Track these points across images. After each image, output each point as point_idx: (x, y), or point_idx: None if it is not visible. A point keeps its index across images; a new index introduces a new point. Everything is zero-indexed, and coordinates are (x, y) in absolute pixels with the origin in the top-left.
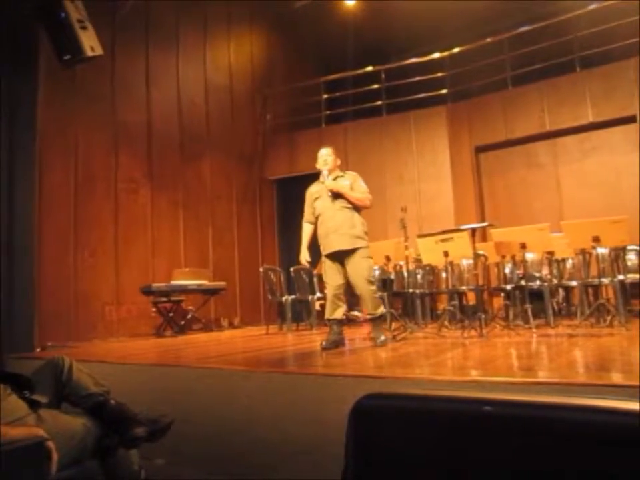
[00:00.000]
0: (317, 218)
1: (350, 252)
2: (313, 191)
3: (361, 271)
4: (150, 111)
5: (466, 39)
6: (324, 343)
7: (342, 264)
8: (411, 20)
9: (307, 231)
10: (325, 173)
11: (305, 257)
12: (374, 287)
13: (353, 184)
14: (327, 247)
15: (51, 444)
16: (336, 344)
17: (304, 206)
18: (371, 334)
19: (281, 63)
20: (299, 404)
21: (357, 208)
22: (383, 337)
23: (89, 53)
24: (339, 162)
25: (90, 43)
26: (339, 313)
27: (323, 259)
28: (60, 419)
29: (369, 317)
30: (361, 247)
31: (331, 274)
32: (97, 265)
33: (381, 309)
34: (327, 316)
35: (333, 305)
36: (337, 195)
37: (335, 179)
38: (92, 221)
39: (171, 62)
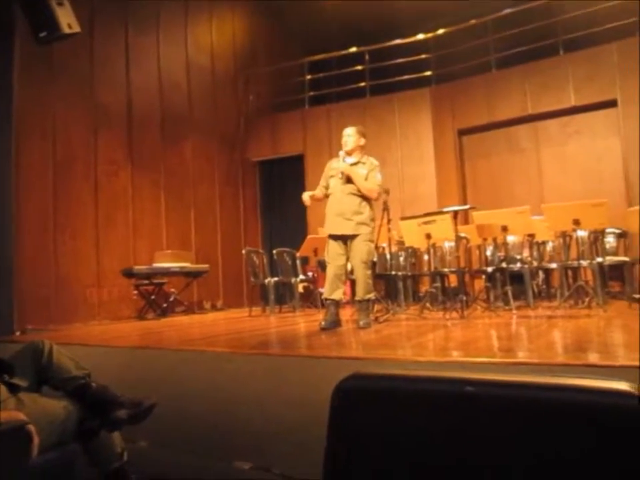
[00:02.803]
0: (328, 195)
1: (353, 236)
2: (332, 166)
3: (361, 254)
4: (130, 91)
5: (451, 20)
6: (323, 323)
7: (345, 245)
8: (396, 0)
9: (317, 191)
10: (341, 153)
11: (308, 194)
12: (370, 272)
13: (369, 173)
14: (331, 228)
15: (31, 427)
16: (334, 325)
17: (287, 188)
18: (356, 316)
19: (263, 43)
20: (282, 386)
21: (366, 197)
22: (366, 320)
23: (66, 30)
24: (362, 142)
25: (67, 20)
26: (338, 294)
27: (328, 239)
28: (40, 402)
29: (357, 299)
30: (363, 233)
31: (333, 254)
32: (77, 247)
33: (371, 295)
34: (325, 295)
35: (333, 285)
36: (348, 180)
37: (355, 163)
38: (72, 202)
39: (152, 41)
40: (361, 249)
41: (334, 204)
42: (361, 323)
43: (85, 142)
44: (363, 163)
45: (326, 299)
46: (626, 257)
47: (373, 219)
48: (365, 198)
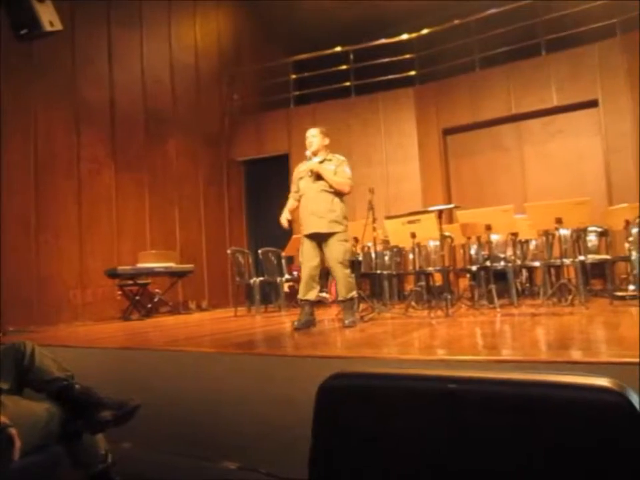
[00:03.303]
0: (300, 197)
1: (327, 235)
2: (300, 170)
3: (337, 254)
4: (113, 89)
5: (434, 20)
6: (295, 323)
7: (319, 246)
8: (380, 0)
9: (290, 202)
10: (308, 154)
11: (285, 216)
12: (348, 271)
13: (337, 168)
14: (305, 228)
15: (12, 430)
16: (307, 324)
17: (272, 187)
18: (340, 315)
19: (248, 41)
20: (268, 385)
21: (338, 192)
22: (351, 319)
23: (48, 28)
24: (326, 142)
25: (48, 18)
26: (312, 295)
27: (302, 239)
28: (22, 404)
29: (340, 299)
30: (338, 232)
31: (307, 254)
32: (60, 248)
33: (353, 293)
34: (299, 296)
35: (308, 285)
36: (317, 177)
37: (322, 161)
38: (54, 202)
39: (135, 38)
40: (336, 249)
41: (307, 203)
42: (346, 322)
43: (67, 140)
44: (330, 160)
45: (300, 300)
46: (607, 255)
47: (345, 217)
48: (336, 195)
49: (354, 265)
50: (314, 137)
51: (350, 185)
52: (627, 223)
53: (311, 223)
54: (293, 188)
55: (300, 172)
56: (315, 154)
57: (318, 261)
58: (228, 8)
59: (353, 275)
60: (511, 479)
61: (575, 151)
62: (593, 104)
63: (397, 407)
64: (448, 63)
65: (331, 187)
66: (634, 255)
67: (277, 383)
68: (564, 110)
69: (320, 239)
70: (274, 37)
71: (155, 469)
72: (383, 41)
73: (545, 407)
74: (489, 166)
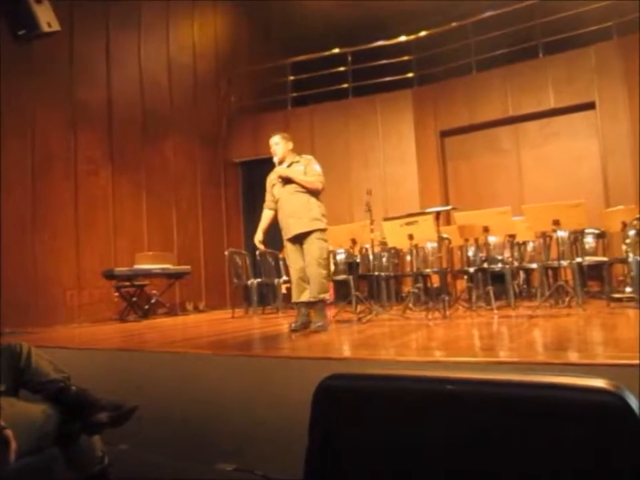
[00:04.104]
0: (277, 204)
1: (307, 234)
2: (271, 178)
3: (313, 252)
4: (110, 90)
5: (433, 22)
6: (292, 325)
7: (302, 246)
8: (379, 2)
9: (265, 215)
10: (275, 161)
11: (258, 237)
12: (324, 271)
13: (307, 167)
14: (286, 232)
15: (8, 432)
16: (304, 326)
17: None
18: (338, 316)
19: (246, 43)
20: (265, 387)
21: (312, 192)
22: (320, 323)
23: (46, 29)
24: (290, 146)
25: (46, 19)
26: (306, 296)
27: (285, 243)
28: (18, 406)
29: (311, 299)
30: (317, 229)
31: (293, 257)
32: (57, 249)
33: (324, 295)
34: (293, 299)
35: (299, 287)
36: (287, 181)
37: (290, 165)
38: (51, 202)
39: (133, 40)
40: (313, 248)
41: (283, 207)
42: (313, 326)
43: (64, 141)
44: (297, 162)
45: (295, 303)
46: (604, 257)
47: (324, 215)
48: (311, 194)
49: (352, 266)
50: (277, 144)
51: (321, 182)
52: (624, 224)
53: (291, 226)
54: (268, 197)
55: (271, 180)
56: (281, 161)
57: (303, 262)
58: (226, 9)
59: (327, 277)
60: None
61: (572, 153)
62: (589, 106)
63: (394, 408)
64: (445, 65)
65: (303, 187)
66: (631, 256)
67: (274, 385)
68: (561, 112)
69: (301, 239)
70: (272, 38)
71: (152, 471)
72: (381, 42)
73: (542, 408)
74: (486, 168)
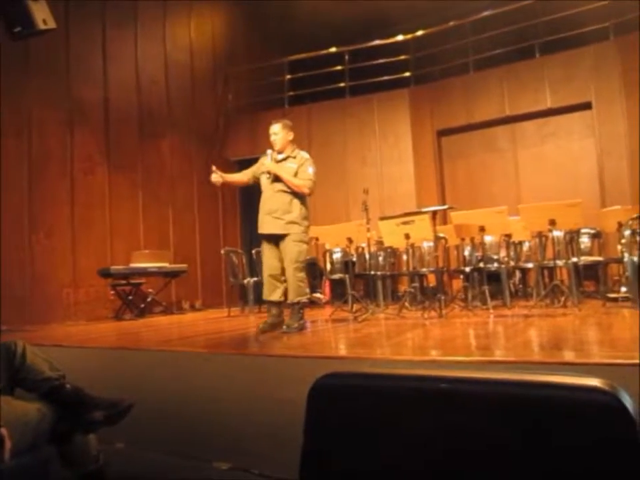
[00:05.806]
0: (249, 182)
1: (283, 236)
2: (264, 162)
3: (290, 254)
4: (107, 88)
5: (430, 21)
6: (261, 325)
7: (277, 246)
8: (376, 1)
9: (238, 175)
10: (269, 152)
11: (220, 175)
12: (301, 274)
13: (299, 167)
14: (260, 227)
15: (3, 430)
16: (273, 327)
17: None
18: (334, 315)
19: (243, 41)
20: (260, 385)
21: (296, 193)
22: (295, 325)
23: (41, 26)
24: (290, 136)
25: (42, 16)
26: (277, 295)
27: (261, 238)
28: (13, 404)
29: (288, 302)
30: (293, 233)
31: (265, 254)
32: (53, 247)
33: (301, 298)
34: (264, 297)
35: (270, 285)
36: (276, 178)
37: (285, 158)
38: (47, 201)
39: (129, 38)
40: (290, 250)
41: (264, 202)
42: (285, 327)
43: (60, 139)
44: (293, 157)
45: (265, 301)
46: (600, 257)
47: (305, 218)
48: (296, 195)
49: (348, 265)
50: (276, 134)
51: (310, 187)
52: (620, 225)
53: (267, 223)
54: (251, 169)
55: (264, 164)
56: (280, 151)
57: (277, 260)
58: (223, 7)
59: (305, 279)
60: (503, 479)
61: (569, 153)
62: (586, 106)
63: (389, 406)
64: (443, 64)
65: (289, 187)
66: (626, 256)
67: (270, 383)
68: (558, 112)
69: (277, 240)
70: (269, 37)
71: (147, 469)
72: (378, 42)
73: (536, 407)
74: (483, 167)
